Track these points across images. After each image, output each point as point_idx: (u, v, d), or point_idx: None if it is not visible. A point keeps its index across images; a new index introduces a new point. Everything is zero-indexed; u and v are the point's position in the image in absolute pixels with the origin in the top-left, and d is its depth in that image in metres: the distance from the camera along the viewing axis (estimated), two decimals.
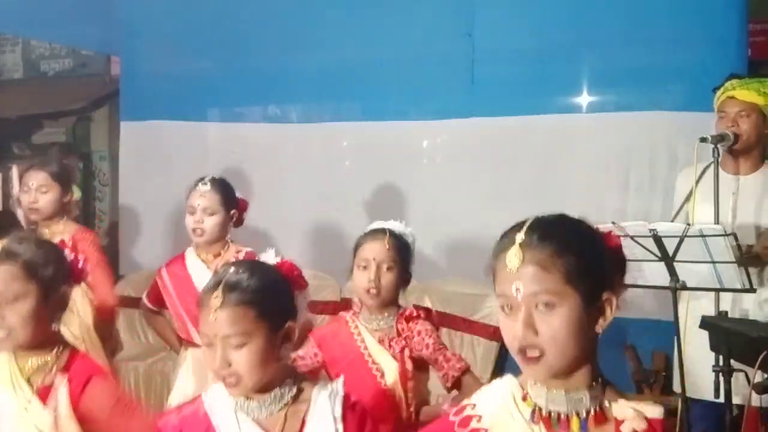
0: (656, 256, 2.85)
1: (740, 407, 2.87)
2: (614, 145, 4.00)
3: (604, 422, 1.36)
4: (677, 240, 2.79)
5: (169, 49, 5.08)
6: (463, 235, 4.09)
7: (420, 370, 2.56)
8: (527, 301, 1.32)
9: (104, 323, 3.16)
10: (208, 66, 4.96)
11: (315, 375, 2.62)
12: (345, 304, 3.46)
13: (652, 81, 3.91)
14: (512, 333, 1.34)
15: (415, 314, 2.57)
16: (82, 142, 10.59)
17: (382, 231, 2.62)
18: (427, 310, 2.67)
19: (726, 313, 3.03)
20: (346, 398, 1.75)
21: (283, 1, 4.75)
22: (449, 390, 2.56)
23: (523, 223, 1.38)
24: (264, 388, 1.69)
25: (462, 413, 1.46)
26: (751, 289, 2.85)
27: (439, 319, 2.84)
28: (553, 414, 1.37)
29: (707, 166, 3.15)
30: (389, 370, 2.50)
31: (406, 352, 2.51)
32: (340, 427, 1.70)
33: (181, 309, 3.22)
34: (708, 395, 2.98)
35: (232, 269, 1.71)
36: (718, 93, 3.24)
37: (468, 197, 4.18)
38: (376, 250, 2.56)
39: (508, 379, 1.47)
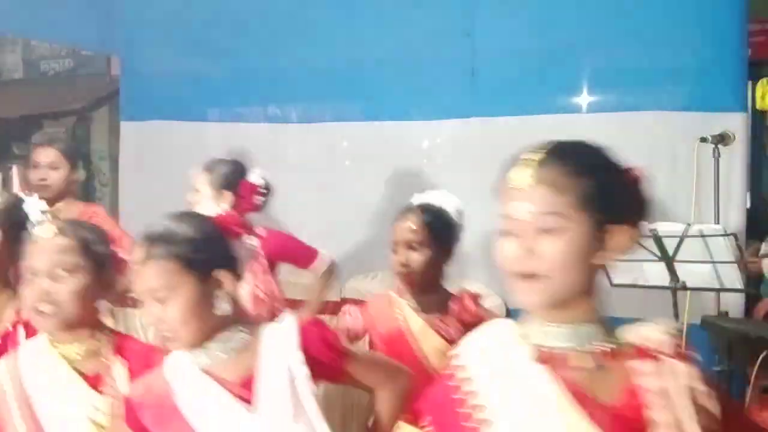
0: (656, 256, 2.85)
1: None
2: (614, 145, 3.98)
3: (613, 360, 1.27)
4: (677, 240, 2.79)
5: (169, 49, 5.08)
6: (463, 235, 4.08)
7: None
8: (532, 223, 1.24)
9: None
10: (208, 66, 4.95)
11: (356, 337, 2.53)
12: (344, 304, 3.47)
13: (652, 81, 3.91)
14: (511, 255, 1.25)
15: (476, 297, 2.43)
16: (82, 142, 10.59)
17: (411, 208, 2.48)
18: (477, 295, 2.51)
19: (726, 313, 3.03)
20: (305, 323, 1.72)
21: (284, 1, 4.75)
22: None
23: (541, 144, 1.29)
24: (206, 338, 1.66)
25: (449, 366, 1.38)
26: (751, 289, 2.86)
27: None
28: (555, 351, 1.27)
29: None
30: (431, 353, 2.36)
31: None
32: (296, 352, 1.66)
33: None
34: None
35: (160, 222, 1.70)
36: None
37: (468, 197, 4.17)
38: (401, 231, 2.41)
39: (502, 321, 1.39)
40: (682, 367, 1.24)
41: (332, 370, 1.72)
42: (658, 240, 2.81)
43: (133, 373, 1.87)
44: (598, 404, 1.25)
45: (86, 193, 10.00)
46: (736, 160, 3.66)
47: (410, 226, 2.41)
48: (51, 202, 3.28)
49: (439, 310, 2.43)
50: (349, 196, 4.55)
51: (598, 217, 1.25)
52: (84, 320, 1.90)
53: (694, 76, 3.78)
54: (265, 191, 3.37)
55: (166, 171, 4.92)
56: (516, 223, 1.25)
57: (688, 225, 2.85)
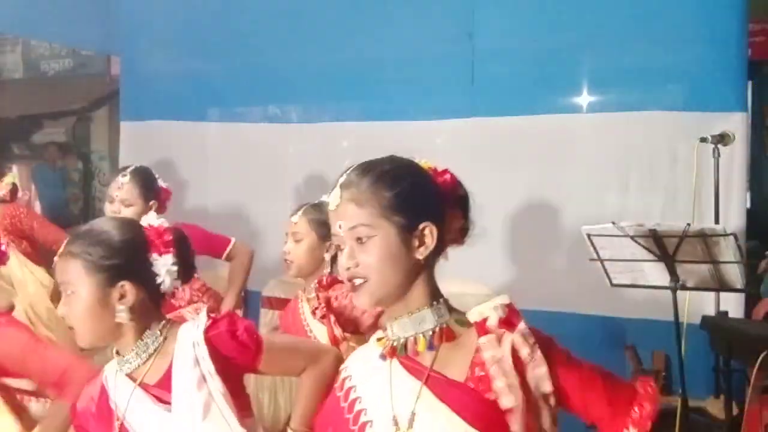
0: (656, 255, 2.85)
1: (741, 407, 2.88)
2: (614, 145, 4.00)
3: (453, 338, 1.45)
4: (677, 240, 2.79)
5: (169, 49, 5.08)
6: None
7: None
8: (348, 236, 1.45)
9: None
10: (208, 66, 4.95)
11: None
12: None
13: (652, 81, 3.91)
14: (342, 265, 1.46)
15: (329, 280, 2.62)
16: (82, 142, 10.61)
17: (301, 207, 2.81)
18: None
19: (726, 313, 3.03)
20: (214, 317, 1.73)
21: (284, 1, 4.75)
22: None
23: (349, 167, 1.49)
24: (105, 340, 1.72)
25: (340, 384, 1.54)
26: (751, 289, 2.85)
27: None
28: (399, 342, 1.46)
29: None
30: (322, 338, 2.54)
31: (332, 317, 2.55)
32: (203, 350, 1.67)
33: None
34: None
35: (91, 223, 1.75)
36: None
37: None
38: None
39: (378, 332, 1.56)
40: (507, 334, 1.41)
41: (246, 365, 1.74)
42: (658, 240, 2.81)
43: None
44: (448, 382, 1.43)
45: (86, 192, 10.04)
46: (736, 160, 3.65)
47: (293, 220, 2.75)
48: None
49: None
50: None
51: (404, 219, 1.44)
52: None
53: (694, 76, 3.78)
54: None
55: (166, 171, 4.92)
56: (340, 238, 1.46)
57: (688, 225, 2.84)
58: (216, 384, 1.66)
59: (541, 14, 4.11)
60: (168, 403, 1.67)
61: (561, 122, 4.07)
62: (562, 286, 3.94)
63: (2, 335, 2.13)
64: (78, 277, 1.66)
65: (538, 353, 1.40)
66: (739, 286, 2.84)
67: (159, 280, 1.72)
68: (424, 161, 1.59)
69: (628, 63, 3.94)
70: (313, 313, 2.59)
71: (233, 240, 3.57)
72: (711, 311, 3.48)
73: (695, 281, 2.89)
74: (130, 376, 1.71)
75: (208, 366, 1.66)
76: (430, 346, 1.44)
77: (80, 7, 5.00)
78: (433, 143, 4.46)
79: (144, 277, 1.71)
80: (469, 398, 1.40)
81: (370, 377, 1.49)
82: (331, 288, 2.59)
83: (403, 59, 4.37)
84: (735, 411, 2.92)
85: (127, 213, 3.18)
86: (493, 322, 1.43)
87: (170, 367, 1.68)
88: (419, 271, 1.46)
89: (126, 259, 1.70)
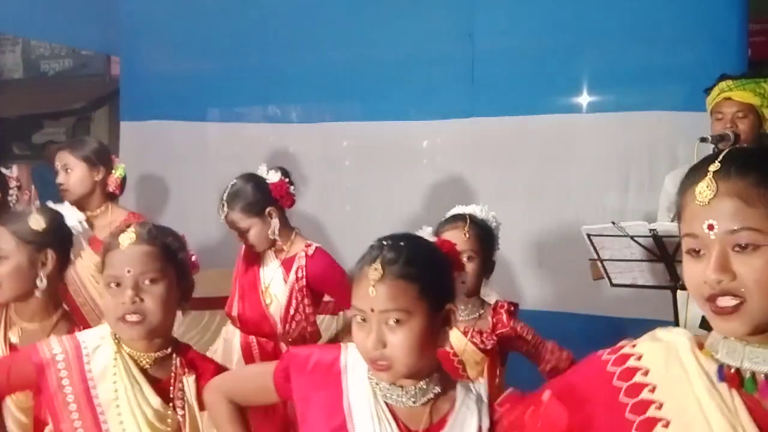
0: (656, 256, 2.85)
1: None
2: (614, 145, 4.00)
3: None
4: (677, 240, 2.79)
5: (169, 49, 5.08)
6: None
7: (503, 364, 2.49)
8: (723, 240, 1.11)
9: None
10: (208, 66, 4.95)
11: None
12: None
13: (652, 81, 3.91)
14: (701, 278, 1.12)
15: (511, 308, 2.46)
16: None
17: (462, 217, 2.50)
18: (515, 305, 2.53)
19: None
20: (492, 408, 1.58)
21: (283, 1, 4.75)
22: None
23: (718, 153, 1.17)
24: (413, 376, 1.55)
25: (620, 358, 1.25)
26: None
27: None
28: (745, 373, 1.13)
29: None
30: (471, 363, 2.38)
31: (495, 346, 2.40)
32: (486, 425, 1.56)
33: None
34: None
35: (389, 242, 1.58)
36: (713, 94, 3.24)
37: (468, 197, 4.18)
38: (455, 239, 2.47)
39: (678, 330, 1.27)
40: None
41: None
42: (658, 240, 2.81)
43: (200, 389, 1.88)
44: None
45: None
46: None
47: (465, 234, 2.43)
48: (80, 206, 3.11)
49: (474, 319, 2.46)
50: (349, 196, 4.55)
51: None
52: (164, 328, 1.89)
53: (694, 76, 3.77)
54: None
55: (166, 171, 4.93)
56: (704, 241, 1.15)
57: None
58: None
59: (541, 14, 4.11)
60: None
61: (561, 122, 4.07)
62: (562, 286, 3.94)
63: None
64: (411, 303, 1.52)
65: None
66: None
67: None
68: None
69: (628, 63, 3.94)
70: (466, 333, 2.42)
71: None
72: None
73: None
74: (393, 411, 1.57)
75: None
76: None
77: (80, 7, 5.00)
78: (433, 143, 4.47)
79: (452, 297, 1.65)
80: None
81: (679, 382, 1.18)
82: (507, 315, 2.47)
83: (403, 59, 4.37)
84: None
85: (254, 234, 3.04)
86: None
87: (444, 423, 1.57)
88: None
89: (444, 279, 1.66)
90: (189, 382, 1.89)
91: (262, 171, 3.17)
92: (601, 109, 4.06)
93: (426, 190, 4.35)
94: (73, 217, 2.35)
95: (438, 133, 4.43)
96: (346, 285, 1.64)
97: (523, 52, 4.11)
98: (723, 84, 3.20)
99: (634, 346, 1.26)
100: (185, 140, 4.96)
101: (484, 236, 2.49)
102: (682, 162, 3.61)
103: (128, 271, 1.81)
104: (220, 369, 1.97)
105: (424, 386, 1.55)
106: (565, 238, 3.89)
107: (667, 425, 1.15)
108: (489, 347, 2.39)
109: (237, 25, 4.80)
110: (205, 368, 1.94)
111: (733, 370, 1.14)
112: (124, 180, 3.45)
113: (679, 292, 2.91)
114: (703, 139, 3.04)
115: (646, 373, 1.20)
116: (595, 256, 3.01)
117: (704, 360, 1.18)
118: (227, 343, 3.15)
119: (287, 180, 3.16)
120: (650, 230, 2.81)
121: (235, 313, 3.14)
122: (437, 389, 1.56)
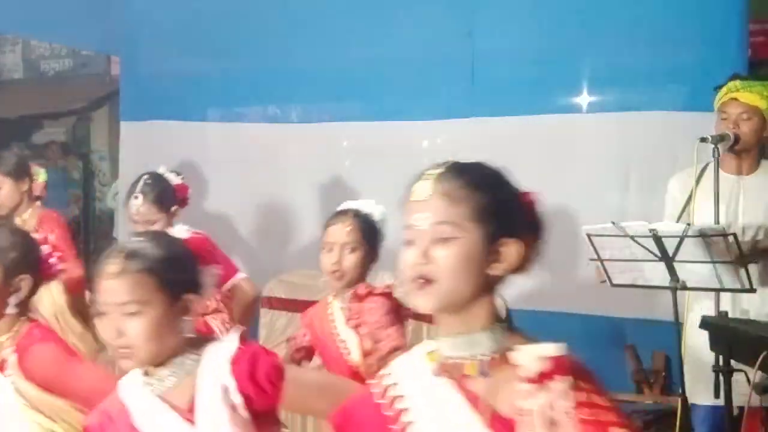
0: (656, 256, 2.85)
1: (741, 408, 2.87)
2: (614, 145, 4.00)
3: (506, 366, 1.30)
4: (677, 240, 2.79)
5: (169, 49, 5.08)
6: None
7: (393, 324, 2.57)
8: (428, 233, 1.32)
9: (76, 296, 3.13)
10: (208, 66, 4.95)
11: (309, 354, 2.73)
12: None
13: (652, 81, 3.91)
14: (409, 261, 1.33)
15: (365, 292, 2.58)
16: (82, 142, 10.60)
17: (346, 212, 2.71)
18: (387, 287, 2.63)
19: (726, 313, 3.03)
20: (239, 350, 1.64)
21: (284, 1, 4.75)
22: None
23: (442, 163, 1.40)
24: (161, 361, 1.64)
25: (380, 383, 1.43)
26: (751, 289, 2.85)
27: None
28: (454, 362, 1.34)
29: (705, 167, 3.15)
30: (354, 348, 2.55)
31: (363, 329, 2.53)
32: (229, 380, 1.61)
33: None
34: (708, 398, 2.97)
35: (134, 239, 1.73)
36: (720, 93, 3.23)
37: None
38: (338, 233, 2.63)
39: (424, 342, 1.46)
40: (555, 386, 1.26)
41: (261, 407, 1.65)
42: (658, 240, 2.81)
43: (19, 360, 2.02)
44: (496, 416, 1.29)
45: (86, 192, 10.04)
46: None
47: (346, 227, 2.65)
48: (11, 216, 3.56)
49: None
50: (350, 196, 4.55)
51: (490, 228, 1.33)
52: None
53: (694, 76, 3.78)
54: None
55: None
56: (416, 232, 1.34)
57: (688, 225, 2.84)
58: (244, 414, 1.62)
59: (541, 14, 4.11)
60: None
61: (561, 122, 4.07)
62: (562, 286, 3.94)
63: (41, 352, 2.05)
64: (147, 294, 1.62)
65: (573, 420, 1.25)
66: (739, 286, 2.83)
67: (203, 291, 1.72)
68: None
69: (628, 63, 3.94)
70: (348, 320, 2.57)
71: (240, 274, 3.37)
72: (711, 311, 3.48)
73: (695, 281, 2.89)
74: (159, 396, 1.63)
75: (235, 395, 1.61)
76: (482, 373, 1.32)
77: (80, 7, 5.00)
78: (433, 143, 4.47)
79: (198, 288, 1.72)
80: None
81: (422, 392, 1.37)
82: (366, 299, 2.56)
83: (403, 59, 4.37)
84: (735, 411, 2.92)
85: (156, 228, 3.14)
86: (540, 369, 1.27)
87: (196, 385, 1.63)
88: (487, 289, 1.35)
89: (184, 272, 1.71)
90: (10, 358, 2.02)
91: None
92: (601, 109, 4.06)
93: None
94: None
95: (438, 133, 4.43)
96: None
97: (523, 52, 4.12)
98: (731, 84, 3.19)
99: (389, 375, 1.43)
100: (185, 140, 4.96)
101: (368, 229, 2.67)
102: (682, 162, 3.61)
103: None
104: (43, 341, 2.06)
105: (179, 362, 1.65)
106: (565, 238, 3.89)
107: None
108: (353, 329, 2.55)
109: (237, 25, 4.80)
110: (28, 341, 2.05)
111: (442, 362, 1.35)
112: (46, 183, 3.88)
113: (679, 292, 2.92)
114: (703, 139, 3.04)
115: (398, 393, 1.40)
116: (595, 256, 3.01)
117: (428, 361, 1.39)
118: None
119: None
120: (650, 230, 2.81)
121: None
122: (194, 361, 1.65)
